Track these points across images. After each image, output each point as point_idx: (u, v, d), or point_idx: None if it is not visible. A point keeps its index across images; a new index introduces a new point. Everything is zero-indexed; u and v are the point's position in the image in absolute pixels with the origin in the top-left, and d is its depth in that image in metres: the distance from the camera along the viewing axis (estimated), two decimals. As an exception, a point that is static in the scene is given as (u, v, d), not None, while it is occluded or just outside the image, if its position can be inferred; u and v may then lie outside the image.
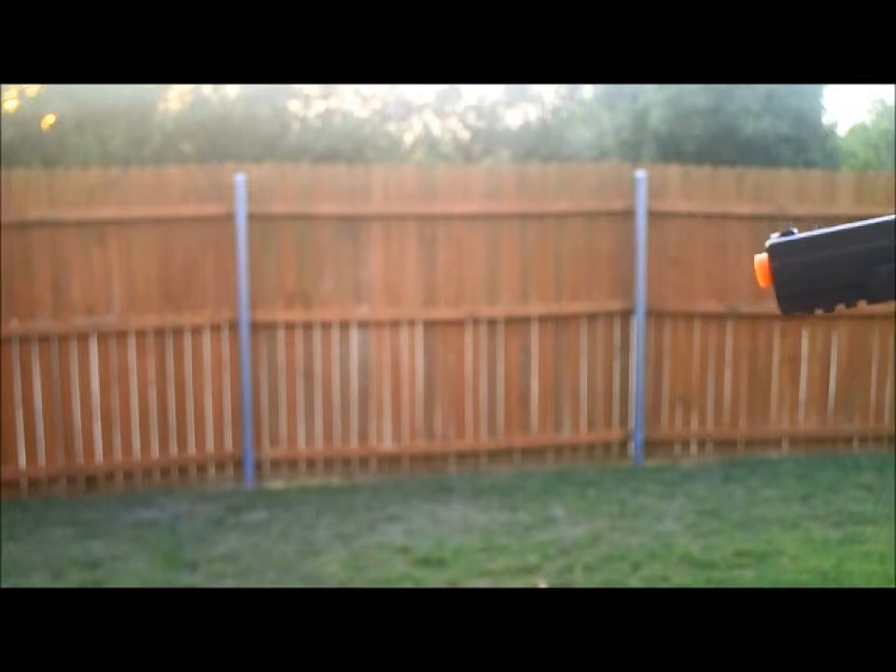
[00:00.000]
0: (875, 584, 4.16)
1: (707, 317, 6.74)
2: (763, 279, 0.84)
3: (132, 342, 6.21)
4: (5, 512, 5.71)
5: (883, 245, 0.81)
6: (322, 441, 6.48)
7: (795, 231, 0.84)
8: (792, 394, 6.89)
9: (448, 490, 6.12)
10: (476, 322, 6.55)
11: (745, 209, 6.65)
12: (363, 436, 6.52)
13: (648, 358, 6.69)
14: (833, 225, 0.83)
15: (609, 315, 6.68)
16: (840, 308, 0.84)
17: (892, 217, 0.82)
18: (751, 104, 15.12)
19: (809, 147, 15.81)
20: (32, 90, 13.07)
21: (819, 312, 0.85)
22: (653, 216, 6.58)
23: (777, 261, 0.83)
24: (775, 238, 0.84)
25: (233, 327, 6.28)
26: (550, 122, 16.25)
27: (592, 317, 6.67)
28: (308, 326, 6.39)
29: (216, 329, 6.29)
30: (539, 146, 15.44)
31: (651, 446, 6.78)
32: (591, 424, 6.74)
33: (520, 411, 6.67)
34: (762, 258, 0.83)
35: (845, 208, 6.68)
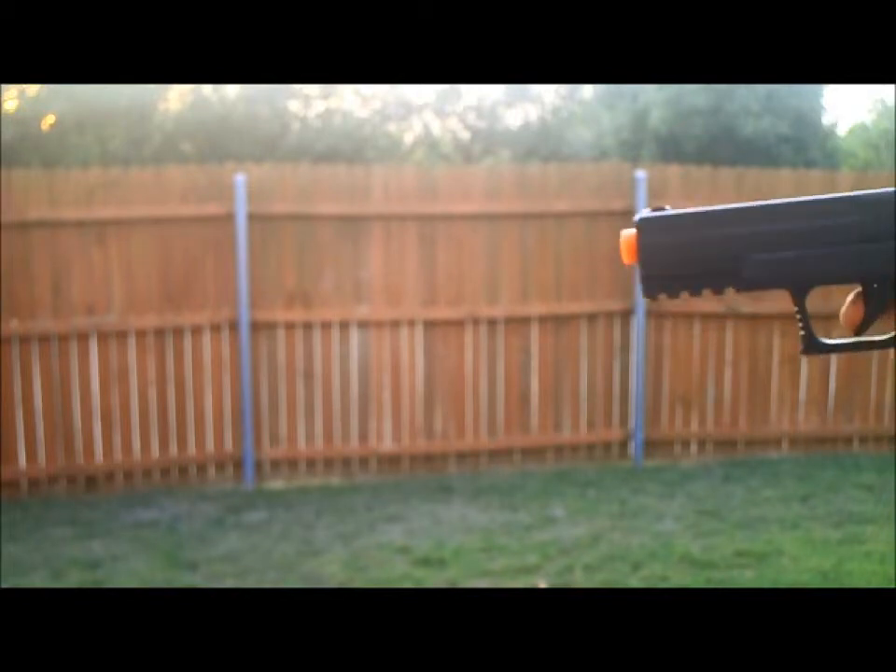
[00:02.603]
0: (874, 584, 4.16)
1: (706, 317, 6.74)
2: (628, 255, 0.77)
3: (132, 342, 6.21)
4: (5, 512, 5.71)
5: (761, 230, 0.76)
6: (322, 441, 6.48)
7: (668, 208, 0.78)
8: (792, 394, 6.89)
9: (448, 490, 6.12)
10: (476, 322, 6.55)
11: (745, 209, 6.65)
12: (363, 436, 6.52)
13: (648, 358, 6.69)
14: None
15: (609, 315, 6.68)
16: (706, 293, 0.78)
17: (769, 202, 0.77)
18: (751, 104, 15.12)
19: (809, 147, 15.81)
20: (32, 90, 13.07)
21: (684, 296, 0.79)
22: (653, 216, 6.57)
23: (646, 237, 0.77)
24: (645, 213, 0.78)
25: (233, 327, 6.28)
26: (550, 122, 16.25)
27: (592, 317, 6.67)
28: (308, 326, 6.39)
29: (216, 329, 6.29)
30: (539, 146, 15.44)
31: (651, 446, 6.77)
32: (591, 424, 6.74)
33: (520, 411, 6.67)
34: (629, 232, 0.77)
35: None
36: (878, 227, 0.75)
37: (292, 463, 6.49)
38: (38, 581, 4.53)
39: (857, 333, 0.79)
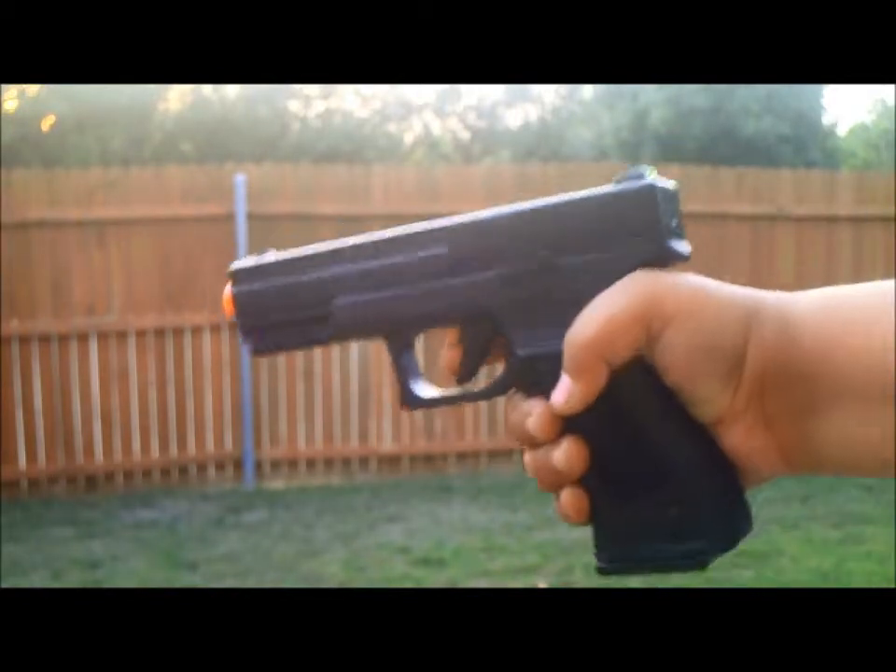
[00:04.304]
0: (874, 584, 4.16)
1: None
2: (228, 309, 0.70)
3: (132, 342, 6.21)
4: (5, 512, 5.71)
5: (348, 270, 0.66)
6: (322, 441, 6.48)
7: (272, 251, 0.69)
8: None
9: (448, 490, 6.12)
10: (476, 322, 6.54)
11: (745, 209, 6.65)
12: (363, 436, 6.52)
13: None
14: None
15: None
16: (315, 347, 0.69)
17: (363, 238, 0.66)
18: (751, 104, 15.12)
19: (809, 147, 15.81)
20: (32, 90, 13.08)
21: (290, 350, 0.70)
22: (653, 216, 6.58)
23: (239, 287, 0.69)
24: (240, 262, 0.69)
25: (233, 327, 6.27)
26: (550, 122, 16.26)
27: (592, 317, 6.66)
28: (308, 326, 6.39)
29: (215, 329, 6.29)
30: (539, 146, 15.45)
31: (650, 446, 6.77)
32: (591, 424, 6.74)
33: (520, 411, 6.67)
34: (229, 287, 0.69)
35: (845, 208, 6.68)
36: (466, 258, 0.66)
37: (292, 463, 6.49)
38: (38, 581, 4.53)
39: (460, 381, 0.70)
